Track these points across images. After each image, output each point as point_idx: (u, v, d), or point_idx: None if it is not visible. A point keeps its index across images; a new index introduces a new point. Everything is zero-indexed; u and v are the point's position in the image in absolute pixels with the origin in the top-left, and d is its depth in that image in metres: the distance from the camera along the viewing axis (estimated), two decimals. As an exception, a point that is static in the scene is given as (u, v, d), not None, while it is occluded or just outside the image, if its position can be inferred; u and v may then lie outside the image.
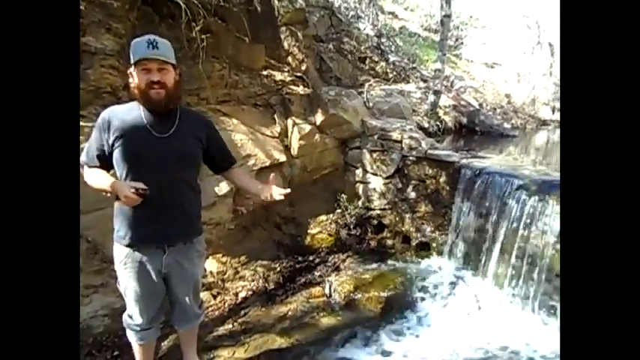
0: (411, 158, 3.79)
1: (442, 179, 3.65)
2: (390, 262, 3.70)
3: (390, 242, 3.94)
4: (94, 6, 2.65)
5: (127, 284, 1.76)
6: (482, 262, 3.24)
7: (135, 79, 1.61)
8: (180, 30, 3.11)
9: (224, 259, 3.34)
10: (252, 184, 1.97)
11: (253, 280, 3.28)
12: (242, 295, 3.16)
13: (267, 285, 3.29)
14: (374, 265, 3.61)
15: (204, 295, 2.97)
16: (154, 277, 1.75)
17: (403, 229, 3.87)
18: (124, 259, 1.72)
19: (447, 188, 3.62)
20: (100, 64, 2.65)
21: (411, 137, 3.83)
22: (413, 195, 3.81)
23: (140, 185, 1.54)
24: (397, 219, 3.91)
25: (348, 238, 3.97)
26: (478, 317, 2.91)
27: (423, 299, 3.18)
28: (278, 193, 1.81)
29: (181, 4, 3.11)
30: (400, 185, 3.88)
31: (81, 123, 2.49)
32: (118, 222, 1.71)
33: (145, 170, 1.61)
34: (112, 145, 1.61)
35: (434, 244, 3.71)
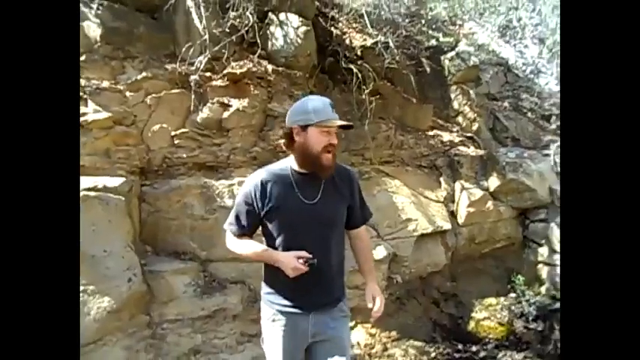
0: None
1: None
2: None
3: (589, 350, 2.96)
4: (282, 77, 2.99)
5: (270, 345, 1.68)
6: None
7: (309, 139, 1.56)
8: (351, 93, 3.23)
9: (373, 331, 3.06)
10: (366, 269, 1.78)
11: (403, 363, 2.87)
12: (389, 377, 2.79)
13: (419, 372, 2.83)
14: (565, 379, 2.73)
15: (349, 369, 2.71)
16: (299, 339, 1.64)
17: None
18: (270, 319, 1.67)
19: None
20: (280, 127, 2.91)
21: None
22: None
23: (306, 255, 1.49)
24: (601, 320, 2.94)
25: (526, 332, 3.18)
26: None
27: None
28: (374, 312, 1.71)
29: (354, 69, 3.26)
30: (606, 275, 2.96)
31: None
32: (266, 284, 1.68)
33: (296, 239, 1.56)
34: (265, 215, 1.58)
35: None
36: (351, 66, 3.27)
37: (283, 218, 1.58)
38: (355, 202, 1.72)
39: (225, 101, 2.79)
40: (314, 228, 1.56)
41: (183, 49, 2.73)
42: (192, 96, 2.71)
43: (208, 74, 2.84)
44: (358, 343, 3.01)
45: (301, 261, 1.48)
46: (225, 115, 2.77)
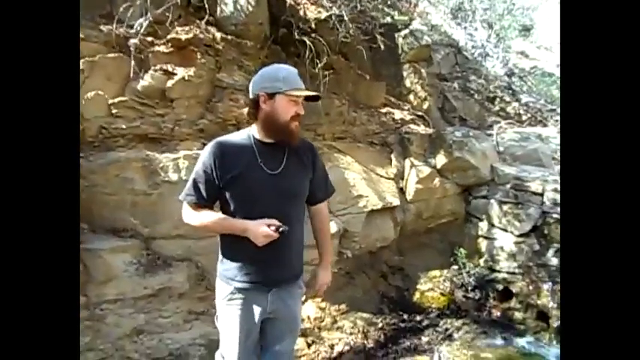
0: (554, 215, 3.11)
1: (598, 246, 2.89)
2: (518, 340, 3.01)
3: (519, 315, 3.23)
4: (231, 45, 2.84)
5: (228, 323, 1.64)
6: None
7: (277, 108, 1.51)
8: (305, 67, 3.15)
9: (323, 305, 3.11)
10: (325, 247, 1.82)
11: (352, 334, 2.96)
12: (338, 348, 2.86)
13: (366, 342, 2.94)
14: (498, 342, 2.97)
15: (297, 342, 2.75)
16: (257, 317, 1.61)
17: (539, 302, 3.14)
18: (227, 297, 1.62)
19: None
20: (229, 98, 2.79)
21: (555, 190, 3.16)
22: (555, 261, 3.09)
23: (276, 222, 1.45)
24: (531, 288, 3.20)
25: (465, 301, 3.39)
26: None
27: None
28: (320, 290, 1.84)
29: (307, 42, 3.17)
30: (537, 247, 3.20)
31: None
32: (226, 262, 1.62)
33: (257, 210, 1.50)
34: (226, 183, 1.52)
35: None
36: (305, 38, 3.18)
37: (244, 188, 1.52)
38: (318, 176, 1.69)
39: (169, 69, 2.60)
40: (276, 200, 1.52)
41: (121, 10, 2.49)
42: (132, 62, 2.49)
43: (150, 39, 2.63)
44: (308, 317, 3.05)
45: (273, 228, 1.42)
46: (169, 84, 2.59)
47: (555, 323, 3.01)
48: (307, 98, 1.57)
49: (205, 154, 1.55)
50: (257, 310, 1.61)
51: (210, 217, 1.56)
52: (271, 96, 1.50)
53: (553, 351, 2.85)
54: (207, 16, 2.75)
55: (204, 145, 2.69)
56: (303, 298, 1.93)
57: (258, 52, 3.04)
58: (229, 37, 2.86)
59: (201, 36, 2.72)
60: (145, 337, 2.42)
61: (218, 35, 2.82)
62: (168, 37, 2.65)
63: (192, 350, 2.53)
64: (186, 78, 2.61)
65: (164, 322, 2.50)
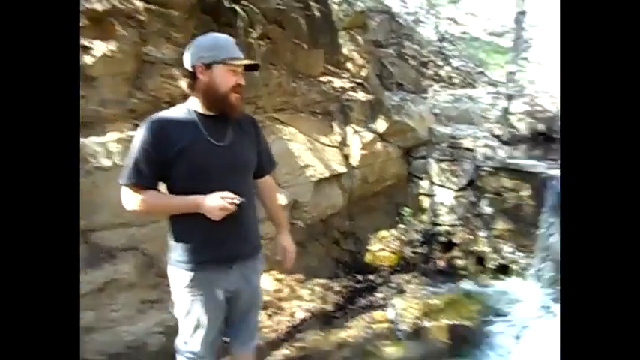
0: (485, 169, 3.38)
1: (524, 193, 3.19)
2: (462, 285, 3.30)
3: (461, 262, 3.52)
4: (154, 16, 2.63)
5: (191, 309, 1.57)
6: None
7: (215, 78, 1.43)
8: (238, 37, 3.02)
9: (280, 276, 3.15)
10: (278, 216, 1.82)
11: (311, 300, 3.05)
12: (299, 315, 2.95)
13: (325, 306, 3.05)
14: (443, 289, 3.23)
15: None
16: (220, 298, 1.57)
17: (477, 248, 3.44)
18: (189, 284, 1.54)
19: (531, 203, 3.16)
20: (159, 74, 2.61)
21: (485, 145, 3.42)
22: (488, 210, 3.38)
23: (230, 194, 1.38)
24: (469, 237, 3.49)
25: (413, 256, 3.62)
26: None
27: (502, 332, 2.75)
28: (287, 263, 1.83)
29: (239, 10, 3.03)
30: (473, 199, 3.47)
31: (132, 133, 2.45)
32: (177, 247, 1.53)
33: (207, 186, 1.42)
34: (171, 160, 1.42)
35: (515, 267, 3.24)
36: (235, 6, 3.03)
37: (191, 163, 1.43)
38: (262, 149, 1.66)
39: (87, 44, 2.36)
40: (226, 173, 1.46)
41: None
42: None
43: (60, 11, 2.36)
44: (267, 291, 3.09)
45: (228, 200, 1.36)
46: (89, 60, 2.36)
47: (491, 265, 3.34)
48: (246, 67, 1.51)
49: (142, 133, 1.43)
50: (220, 291, 1.56)
51: (156, 198, 1.47)
52: (208, 66, 1.42)
53: (490, 289, 3.18)
54: (124, -16, 2.51)
55: (137, 126, 2.54)
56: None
57: (186, 23, 2.85)
58: (153, 7, 2.64)
59: (121, 6, 2.49)
60: (97, 333, 2.31)
61: (140, 5, 2.59)
62: (82, 8, 2.39)
63: (151, 339, 2.46)
64: (108, 54, 2.39)
65: (116, 315, 2.39)
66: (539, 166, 3.15)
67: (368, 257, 3.59)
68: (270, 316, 2.90)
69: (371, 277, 3.40)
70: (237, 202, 1.38)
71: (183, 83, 1.66)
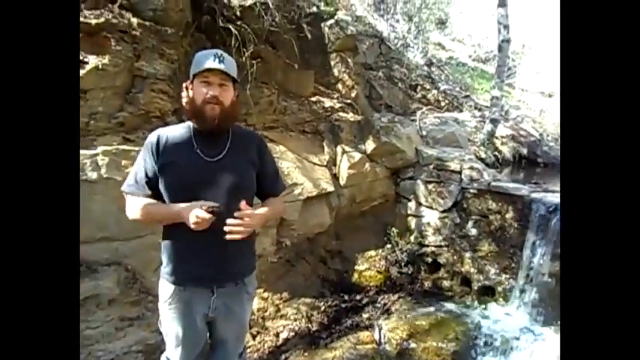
0: (471, 191, 3.43)
1: (509, 215, 3.24)
2: (447, 306, 3.29)
3: (446, 283, 3.53)
4: (149, 32, 2.66)
5: (170, 326, 1.57)
6: (562, 314, 2.77)
7: (190, 93, 1.48)
8: (231, 55, 3.07)
9: (265, 295, 3.11)
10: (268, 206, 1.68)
11: (296, 320, 3.01)
12: (283, 335, 2.90)
13: (310, 326, 3.01)
14: (429, 309, 3.22)
15: (242, 335, 2.73)
16: (198, 322, 1.55)
17: (462, 269, 3.46)
18: (168, 299, 1.54)
19: (515, 225, 3.21)
20: (150, 89, 2.62)
21: (471, 168, 3.49)
22: (474, 232, 3.42)
23: (210, 203, 1.35)
24: (455, 258, 3.51)
25: (399, 276, 3.61)
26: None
27: (487, 353, 2.75)
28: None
29: (233, 30, 3.09)
30: (458, 220, 3.51)
31: (127, 147, 2.44)
32: (165, 257, 1.54)
33: (191, 199, 1.41)
34: (160, 171, 1.45)
35: (499, 289, 3.26)
36: (230, 26, 3.09)
37: (178, 175, 1.45)
38: (268, 169, 1.62)
39: (80, 57, 2.37)
40: (214, 189, 1.44)
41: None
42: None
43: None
44: (251, 310, 3.04)
45: (204, 208, 1.33)
46: (81, 73, 2.36)
47: (476, 286, 3.36)
48: (224, 75, 1.45)
49: (145, 144, 1.51)
50: (199, 312, 1.54)
51: (150, 206, 1.47)
52: (192, 81, 1.48)
53: (476, 311, 3.19)
54: (120, 0, 2.55)
55: (126, 139, 2.53)
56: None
57: (180, 40, 2.88)
58: (147, 23, 2.67)
59: (115, 21, 2.51)
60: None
61: (134, 21, 2.62)
62: (76, 22, 2.41)
63: (128, 358, 2.38)
64: (100, 67, 2.40)
65: (93, 333, 2.31)
66: (523, 189, 3.22)
67: (354, 277, 3.57)
68: (254, 336, 2.85)
69: (357, 296, 3.38)
70: (214, 209, 1.33)
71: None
